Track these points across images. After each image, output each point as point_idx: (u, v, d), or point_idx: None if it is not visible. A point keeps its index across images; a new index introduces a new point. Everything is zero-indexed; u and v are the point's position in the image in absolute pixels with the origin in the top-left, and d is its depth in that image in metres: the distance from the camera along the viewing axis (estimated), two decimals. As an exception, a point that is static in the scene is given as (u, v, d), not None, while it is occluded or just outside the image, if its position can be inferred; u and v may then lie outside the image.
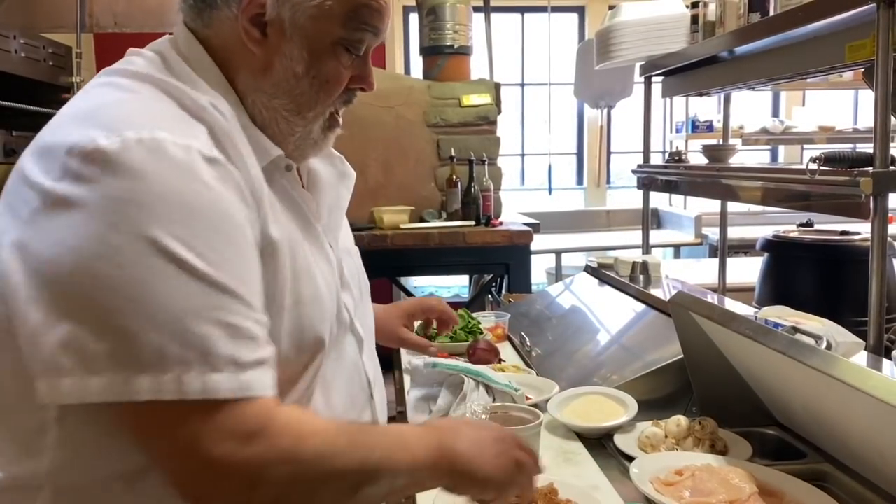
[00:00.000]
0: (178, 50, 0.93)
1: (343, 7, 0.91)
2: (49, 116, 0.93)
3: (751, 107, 5.72)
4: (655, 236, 5.01)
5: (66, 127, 0.81)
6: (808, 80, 4.19)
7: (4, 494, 0.83)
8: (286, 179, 0.96)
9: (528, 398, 1.58)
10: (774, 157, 6.09)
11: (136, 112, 0.81)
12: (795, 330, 1.16)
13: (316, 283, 0.94)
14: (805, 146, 5.36)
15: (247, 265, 0.81)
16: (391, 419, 1.34)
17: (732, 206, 3.01)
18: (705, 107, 5.16)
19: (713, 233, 4.52)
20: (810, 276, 2.03)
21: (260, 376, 0.78)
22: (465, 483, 0.93)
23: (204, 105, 0.86)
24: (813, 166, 1.41)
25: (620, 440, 1.38)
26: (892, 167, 1.32)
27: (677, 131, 5.29)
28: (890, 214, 1.36)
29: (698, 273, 3.43)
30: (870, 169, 1.32)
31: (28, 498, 0.82)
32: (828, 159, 1.39)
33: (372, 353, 1.12)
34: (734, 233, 4.17)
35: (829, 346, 1.09)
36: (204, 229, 0.77)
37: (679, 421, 1.37)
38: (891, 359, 1.18)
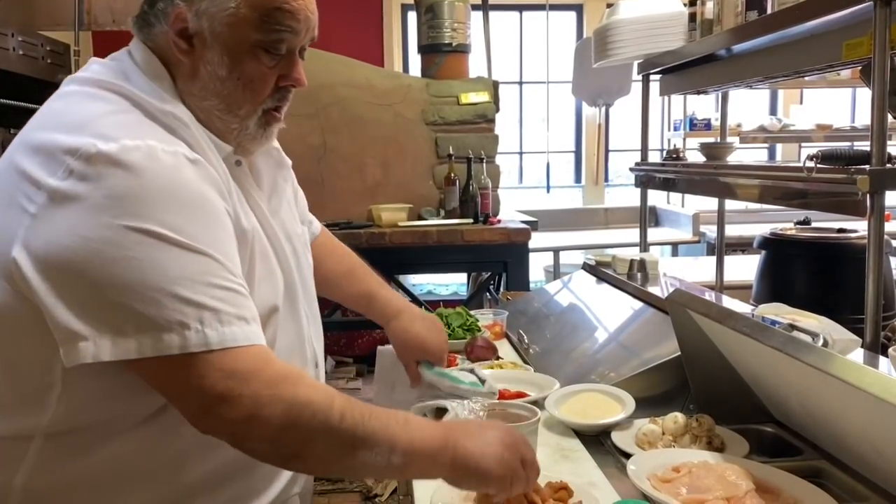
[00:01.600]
0: (135, 61, 1.03)
1: (255, 12, 0.99)
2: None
3: (749, 105, 5.72)
4: (653, 234, 5.01)
5: (58, 132, 0.91)
6: (806, 79, 4.18)
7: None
8: (241, 172, 1.08)
9: (526, 394, 1.59)
10: (772, 156, 6.08)
11: (124, 123, 0.93)
12: (792, 327, 1.16)
13: (270, 263, 1.08)
14: (803, 144, 5.35)
15: (231, 245, 0.96)
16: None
17: (731, 205, 3.01)
18: (703, 105, 5.15)
19: (711, 231, 4.53)
20: (807, 273, 2.03)
21: (257, 329, 0.94)
22: (467, 478, 0.99)
23: (168, 113, 0.98)
24: (810, 164, 1.41)
25: (618, 437, 1.38)
26: (888, 165, 1.32)
27: (675, 129, 5.29)
28: (887, 213, 1.36)
29: (696, 271, 3.44)
30: (866, 167, 1.32)
31: (20, 447, 0.94)
32: (825, 157, 1.39)
33: (318, 330, 1.24)
34: (732, 231, 4.17)
35: (825, 344, 1.10)
36: (193, 216, 0.90)
37: (676, 418, 1.37)
38: (887, 356, 1.18)
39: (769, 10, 1.76)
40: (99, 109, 0.95)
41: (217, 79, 1.02)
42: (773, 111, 5.97)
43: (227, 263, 0.93)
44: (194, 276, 0.88)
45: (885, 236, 1.79)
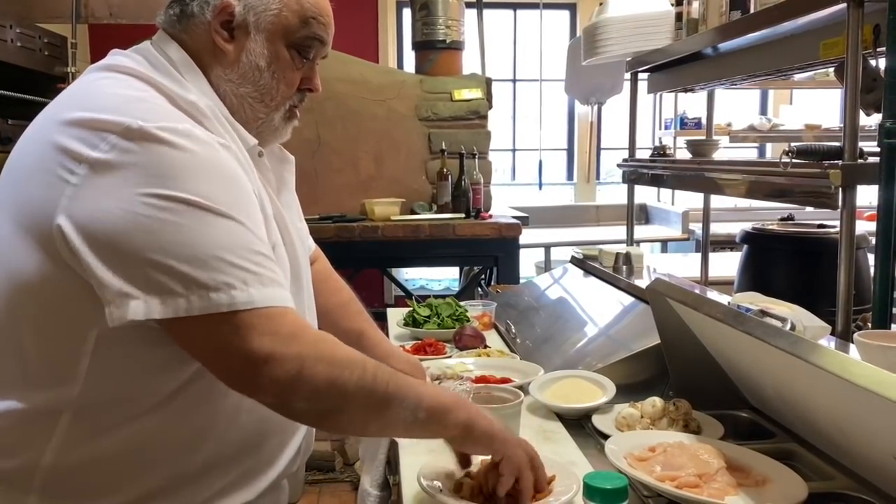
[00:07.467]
0: (162, 52, 1.10)
1: (296, 18, 1.12)
2: (44, 105, 1.00)
3: (739, 105, 5.78)
4: (644, 231, 5.06)
5: (96, 112, 0.95)
6: (796, 79, 4.24)
7: (27, 420, 0.98)
8: (259, 164, 1.14)
9: (511, 380, 1.64)
10: (762, 155, 6.14)
11: (158, 108, 0.99)
12: (763, 313, 1.21)
13: (280, 251, 1.12)
14: (792, 144, 5.41)
15: (261, 220, 1.02)
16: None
17: (720, 202, 3.05)
18: (694, 104, 5.21)
19: (700, 228, 4.58)
20: (787, 267, 2.08)
21: (289, 294, 0.99)
22: (474, 436, 1.06)
23: (191, 104, 1.03)
24: (785, 159, 1.46)
25: (598, 420, 1.43)
26: (860, 160, 1.37)
27: (666, 128, 5.34)
28: (872, 213, 1.40)
29: (684, 267, 3.49)
30: (839, 162, 1.37)
31: (50, 423, 0.97)
32: (800, 152, 1.44)
33: (314, 320, 1.29)
34: (721, 228, 4.23)
35: (792, 328, 1.15)
36: (229, 189, 0.96)
37: (654, 402, 1.42)
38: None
39: (752, 10, 1.82)
40: (132, 95, 1.00)
41: (256, 68, 1.11)
42: (763, 111, 6.04)
43: (260, 234, 0.99)
44: (235, 241, 0.93)
45: (864, 233, 1.83)
